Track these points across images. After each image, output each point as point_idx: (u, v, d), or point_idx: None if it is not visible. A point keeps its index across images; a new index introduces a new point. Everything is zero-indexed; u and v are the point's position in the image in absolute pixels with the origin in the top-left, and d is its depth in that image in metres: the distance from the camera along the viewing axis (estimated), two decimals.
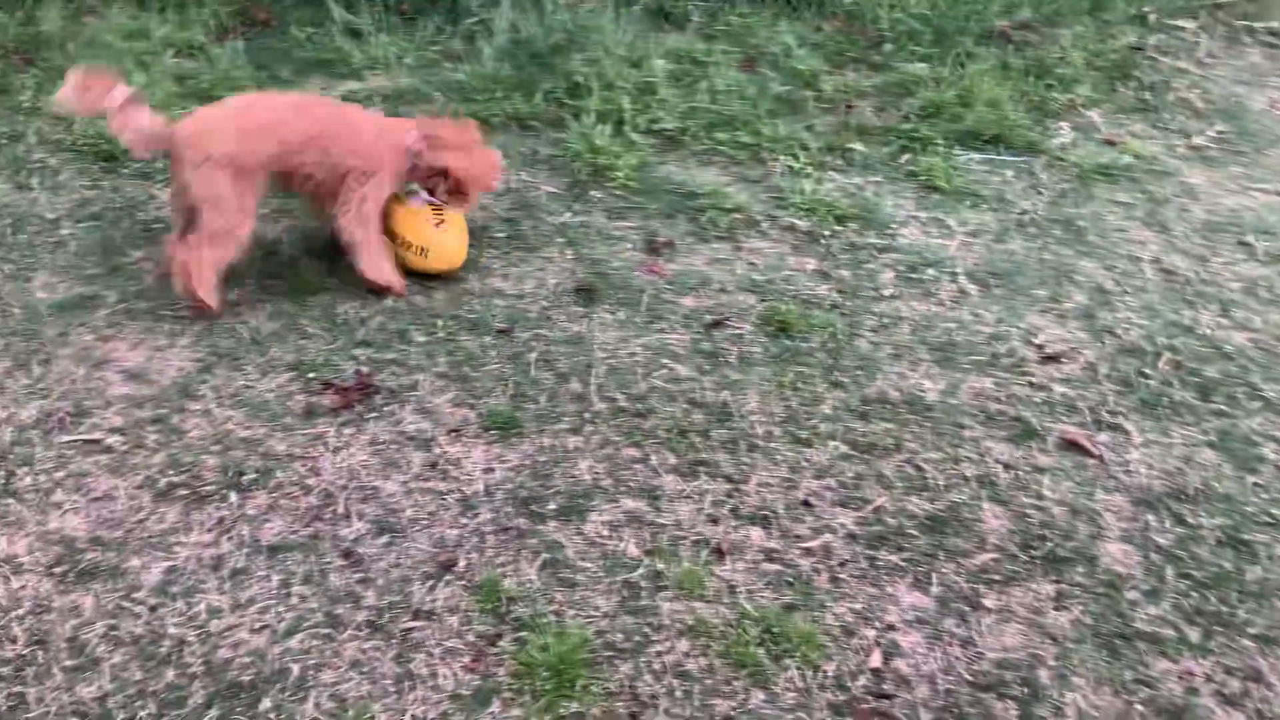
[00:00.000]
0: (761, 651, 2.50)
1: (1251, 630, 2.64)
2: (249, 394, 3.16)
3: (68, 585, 2.56)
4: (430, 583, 2.63)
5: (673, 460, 3.02)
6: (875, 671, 2.49)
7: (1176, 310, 3.80)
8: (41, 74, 4.80)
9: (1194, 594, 2.73)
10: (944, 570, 2.75)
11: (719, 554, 2.75)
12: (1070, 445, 3.17)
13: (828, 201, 4.26)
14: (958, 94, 5.04)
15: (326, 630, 2.50)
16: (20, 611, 2.49)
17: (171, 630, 2.47)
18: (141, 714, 2.30)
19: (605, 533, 2.79)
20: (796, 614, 2.60)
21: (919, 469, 3.05)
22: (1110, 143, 4.90)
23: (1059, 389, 3.38)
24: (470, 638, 2.50)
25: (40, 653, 2.41)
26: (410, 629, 2.52)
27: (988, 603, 2.67)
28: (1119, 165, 4.70)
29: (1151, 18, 6.08)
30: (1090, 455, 3.14)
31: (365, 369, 3.27)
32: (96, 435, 2.99)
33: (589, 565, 2.70)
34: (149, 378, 3.20)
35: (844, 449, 3.10)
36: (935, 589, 2.70)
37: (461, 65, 5.06)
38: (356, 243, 3.54)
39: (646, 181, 4.36)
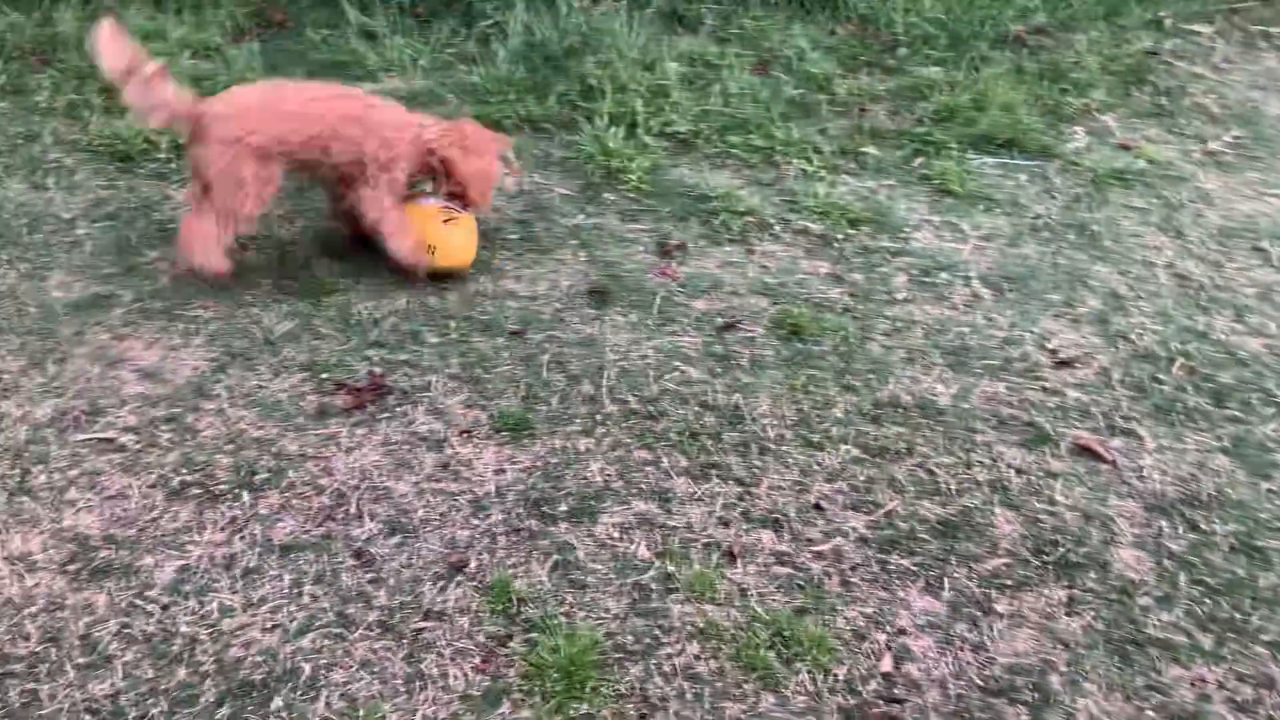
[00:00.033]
0: (772, 655, 2.50)
1: (1264, 637, 2.62)
2: (262, 394, 3.17)
3: (81, 583, 2.58)
4: (441, 583, 2.63)
5: (684, 463, 3.02)
6: (886, 676, 2.48)
7: (1190, 316, 3.79)
8: (58, 74, 4.82)
9: (1207, 600, 2.72)
10: (955, 575, 2.75)
11: (730, 557, 2.75)
12: (1083, 450, 3.16)
13: (841, 205, 4.26)
14: (972, 98, 5.04)
15: (338, 630, 2.51)
16: (34, 609, 2.51)
17: (183, 628, 2.48)
18: (153, 711, 2.31)
19: (616, 535, 2.79)
20: (807, 617, 2.60)
21: (931, 473, 3.04)
22: (1125, 147, 4.89)
23: (1072, 394, 3.37)
24: (481, 638, 2.51)
25: (53, 650, 2.42)
26: (421, 629, 2.52)
27: (999, 608, 2.66)
28: (1134, 170, 4.69)
29: (1167, 22, 6.07)
30: (1103, 460, 3.13)
31: (378, 370, 3.28)
32: (111, 434, 3.00)
33: (600, 567, 2.70)
34: (163, 377, 3.21)
35: (855, 452, 3.10)
36: (947, 593, 2.69)
37: (476, 68, 5.08)
38: (379, 223, 3.60)
39: (659, 184, 4.36)
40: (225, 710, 2.32)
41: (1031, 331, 3.64)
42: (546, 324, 3.53)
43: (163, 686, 2.35)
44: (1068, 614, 2.65)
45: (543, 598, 2.60)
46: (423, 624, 2.53)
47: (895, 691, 2.45)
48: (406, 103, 4.73)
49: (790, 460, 3.06)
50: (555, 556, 2.72)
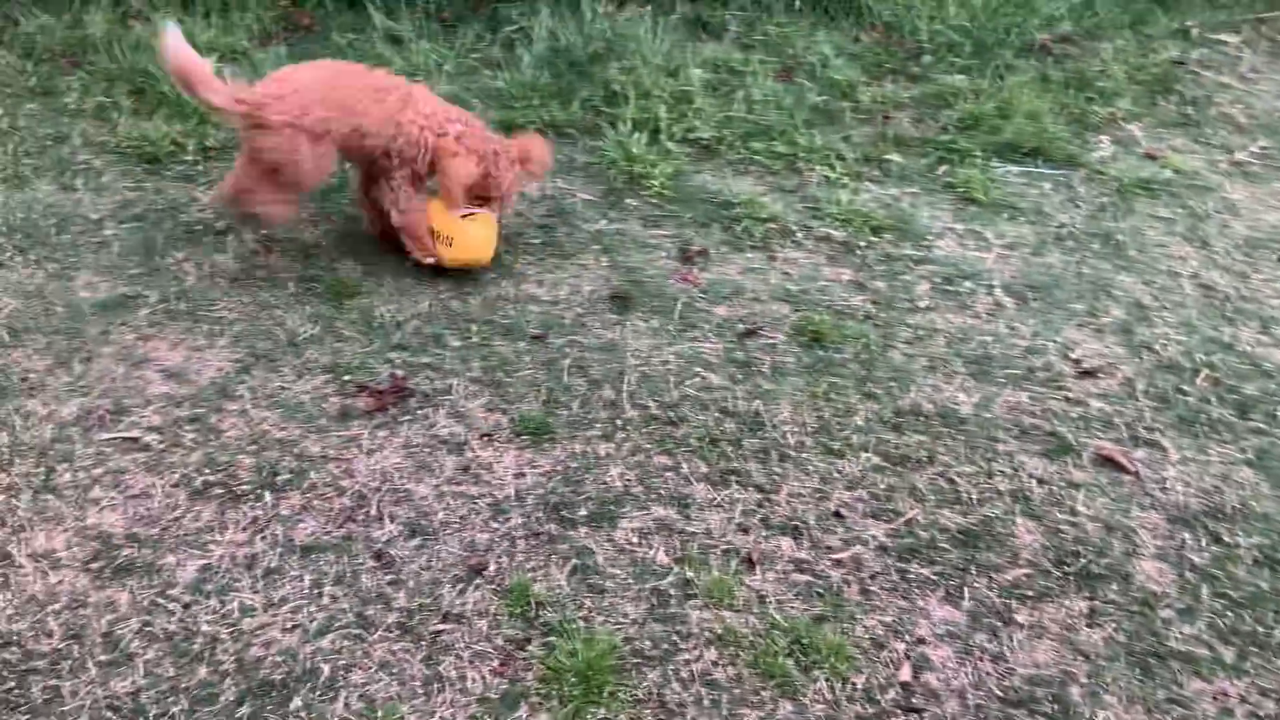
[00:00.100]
0: (790, 662, 2.50)
1: None
2: (285, 395, 3.19)
3: (104, 581, 2.60)
4: (460, 586, 2.64)
5: (704, 469, 3.02)
6: (905, 685, 2.48)
7: (1215, 327, 3.76)
8: (87, 77, 4.86)
9: (1229, 613, 2.70)
10: (976, 584, 2.74)
11: (749, 563, 2.75)
12: (1106, 461, 3.14)
13: (864, 212, 4.25)
14: (996, 106, 5.02)
15: (357, 631, 2.52)
16: (57, 606, 2.53)
17: (204, 627, 2.50)
18: (174, 710, 2.32)
19: (635, 540, 2.80)
20: (826, 625, 2.59)
21: (952, 482, 3.03)
22: (1151, 157, 4.86)
23: (1095, 404, 3.35)
24: (499, 641, 2.51)
25: (76, 647, 2.44)
26: (440, 631, 2.53)
27: (1020, 618, 2.65)
28: (1159, 180, 4.66)
29: (1194, 32, 6.03)
30: (1126, 471, 3.11)
31: (400, 372, 3.30)
32: (135, 433, 3.03)
33: (618, 572, 2.70)
34: (188, 377, 3.23)
35: (876, 460, 3.09)
36: (967, 603, 2.68)
37: (500, 73, 5.09)
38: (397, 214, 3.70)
39: (682, 190, 4.36)
40: (245, 709, 2.33)
41: (1055, 341, 3.62)
42: (568, 329, 3.54)
43: (183, 685, 2.37)
44: (1089, 625, 2.64)
45: (561, 602, 2.61)
46: (441, 626, 2.54)
47: (914, 701, 2.44)
48: None
49: (810, 467, 3.05)
50: (574, 561, 2.72)
